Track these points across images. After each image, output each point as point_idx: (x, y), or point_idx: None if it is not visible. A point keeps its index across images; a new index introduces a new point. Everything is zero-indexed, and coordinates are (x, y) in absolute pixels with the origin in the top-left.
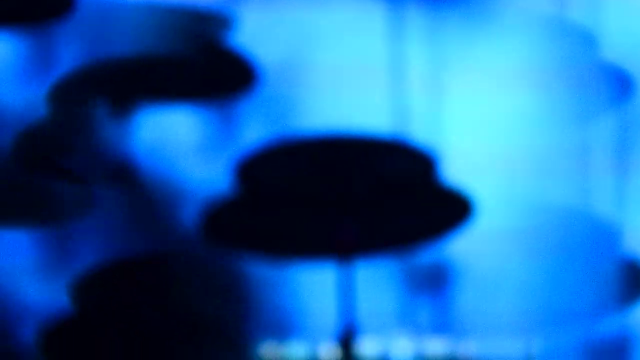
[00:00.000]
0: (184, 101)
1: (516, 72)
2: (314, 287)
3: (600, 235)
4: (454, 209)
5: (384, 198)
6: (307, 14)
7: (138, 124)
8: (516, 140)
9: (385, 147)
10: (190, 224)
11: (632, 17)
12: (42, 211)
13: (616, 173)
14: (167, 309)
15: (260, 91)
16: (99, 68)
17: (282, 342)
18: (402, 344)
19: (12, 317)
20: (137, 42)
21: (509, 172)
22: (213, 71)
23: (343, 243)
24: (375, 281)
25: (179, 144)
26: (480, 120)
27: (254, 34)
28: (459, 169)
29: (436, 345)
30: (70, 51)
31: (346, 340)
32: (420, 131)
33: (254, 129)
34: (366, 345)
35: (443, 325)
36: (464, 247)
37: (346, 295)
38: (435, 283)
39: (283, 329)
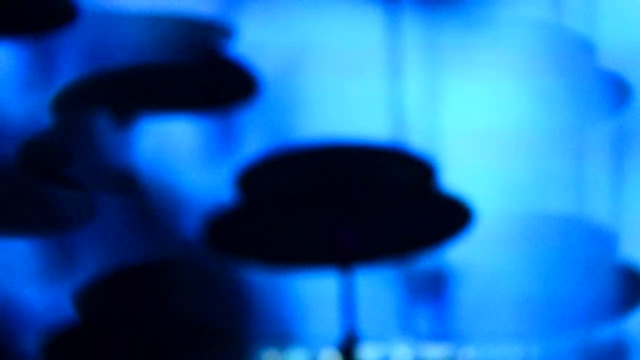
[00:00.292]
0: (185, 110)
1: (514, 78)
2: (314, 295)
3: (598, 241)
4: (452, 216)
5: (384, 206)
6: (307, 23)
7: (139, 133)
8: (514, 147)
9: (385, 155)
10: (192, 232)
11: (629, 24)
12: (44, 220)
13: (614, 180)
14: (169, 317)
15: (260, 100)
16: (100, 78)
17: (283, 349)
18: (402, 351)
19: (16, 325)
20: (138, 52)
21: (507, 179)
22: (213, 80)
23: (343, 250)
24: (375, 288)
25: (180, 152)
26: (479, 128)
27: (254, 44)
28: (457, 176)
29: (436, 351)
30: (72, 61)
31: (347, 347)
32: (419, 139)
33: (255, 137)
34: (366, 351)
35: (442, 331)
36: (462, 254)
37: (346, 302)
38: (434, 290)
39: (284, 336)
